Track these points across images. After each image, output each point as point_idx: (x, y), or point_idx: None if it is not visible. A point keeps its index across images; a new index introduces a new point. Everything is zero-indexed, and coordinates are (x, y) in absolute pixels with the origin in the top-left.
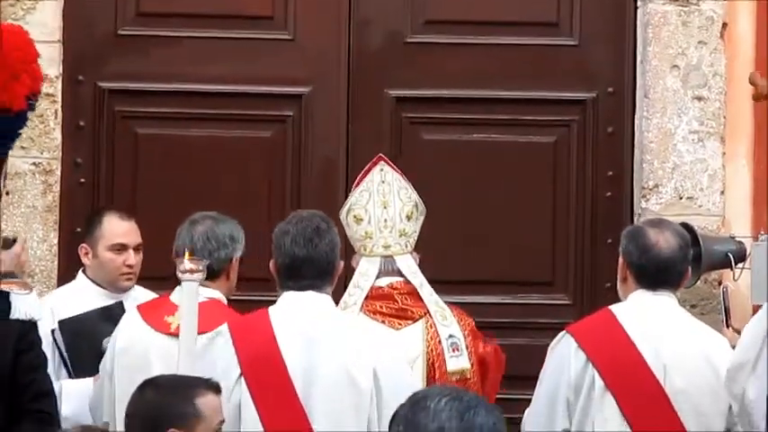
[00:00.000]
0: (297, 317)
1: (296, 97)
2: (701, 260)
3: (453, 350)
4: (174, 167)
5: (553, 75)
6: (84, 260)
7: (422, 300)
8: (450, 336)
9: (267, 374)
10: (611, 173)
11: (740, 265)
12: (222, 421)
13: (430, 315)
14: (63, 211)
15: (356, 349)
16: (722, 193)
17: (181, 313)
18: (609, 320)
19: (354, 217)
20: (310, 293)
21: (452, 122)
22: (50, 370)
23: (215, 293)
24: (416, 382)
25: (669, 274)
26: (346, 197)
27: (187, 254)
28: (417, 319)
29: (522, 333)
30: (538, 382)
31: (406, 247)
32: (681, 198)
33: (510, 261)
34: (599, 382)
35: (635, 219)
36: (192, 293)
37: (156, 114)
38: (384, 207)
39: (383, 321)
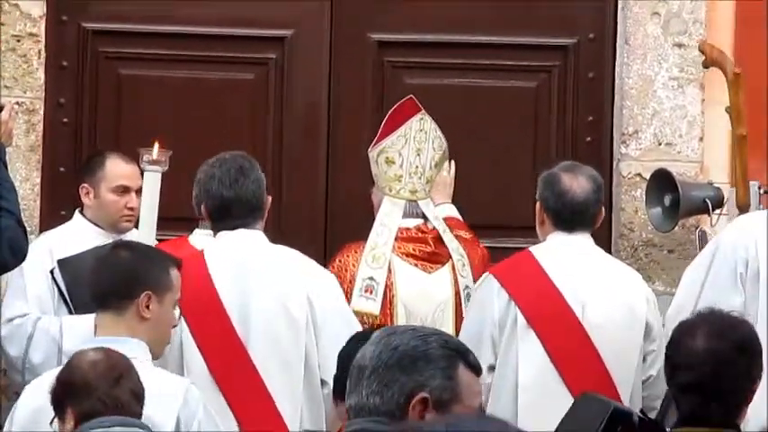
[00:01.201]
0: (230, 254)
1: (278, 40)
2: (679, 206)
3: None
4: (157, 109)
5: (535, 21)
6: (85, 200)
7: (445, 245)
8: (467, 287)
9: (205, 313)
10: (591, 118)
11: (717, 210)
12: (178, 300)
13: (453, 261)
14: (46, 151)
15: (289, 280)
16: (701, 139)
17: (142, 205)
18: (529, 261)
19: (387, 159)
20: (242, 231)
21: (435, 67)
22: (50, 308)
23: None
24: (346, 308)
25: (583, 217)
26: (328, 141)
27: (157, 145)
28: (445, 263)
29: None
30: (463, 322)
31: (428, 192)
32: (660, 144)
33: (491, 206)
34: (521, 320)
35: (614, 164)
36: (153, 184)
37: (140, 56)
38: (418, 154)
39: (416, 264)
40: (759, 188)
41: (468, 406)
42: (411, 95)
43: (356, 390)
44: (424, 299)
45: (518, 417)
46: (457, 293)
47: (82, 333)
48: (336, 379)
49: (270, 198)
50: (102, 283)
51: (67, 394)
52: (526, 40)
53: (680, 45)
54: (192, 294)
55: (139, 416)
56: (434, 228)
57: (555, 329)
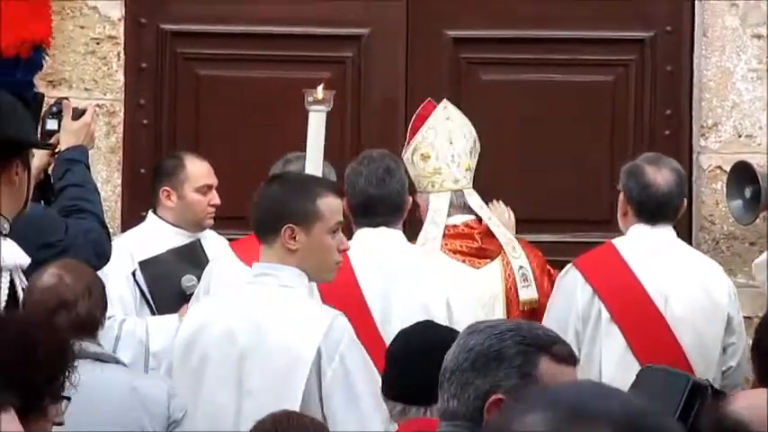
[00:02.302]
0: (372, 251)
1: (355, 38)
2: (760, 198)
3: (524, 280)
4: (236, 109)
5: (612, 14)
6: (167, 202)
7: (495, 238)
8: (521, 267)
9: (347, 306)
10: (669, 111)
11: None
12: (340, 222)
13: (504, 252)
14: (126, 153)
15: (430, 280)
16: None
17: (308, 144)
18: (612, 254)
19: (422, 155)
20: (383, 230)
21: (511, 63)
22: (132, 310)
23: None
24: (481, 312)
25: (667, 209)
26: (405, 138)
27: (322, 85)
28: (495, 258)
29: None
30: (545, 313)
31: (470, 181)
32: (740, 136)
33: (569, 200)
34: (605, 314)
35: (694, 157)
36: (319, 123)
37: (217, 56)
38: (450, 143)
39: (463, 261)
40: None
41: None
42: (429, 98)
43: (440, 393)
44: (473, 294)
45: None
46: (510, 288)
47: (167, 332)
48: (383, 377)
49: (411, 199)
50: (254, 217)
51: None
52: (603, 34)
53: (758, 36)
54: (335, 288)
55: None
56: (482, 222)
57: (638, 324)
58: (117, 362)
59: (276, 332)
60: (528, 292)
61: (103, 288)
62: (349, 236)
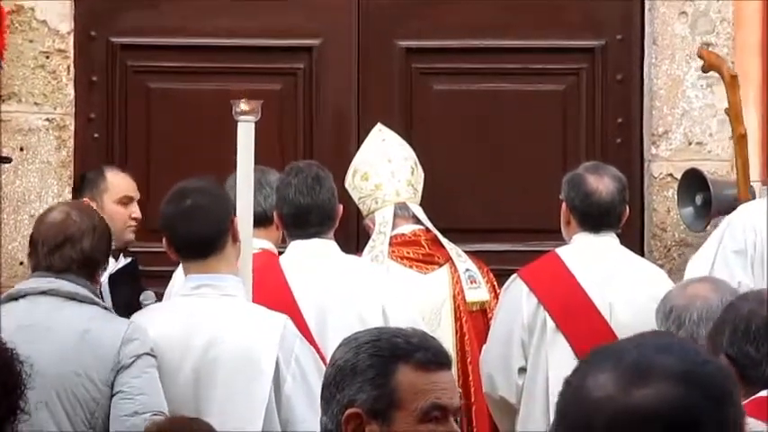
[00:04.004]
0: (306, 263)
1: (306, 49)
2: (711, 205)
3: (471, 282)
4: (187, 121)
5: (562, 23)
6: None
7: (443, 246)
8: (467, 270)
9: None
10: (620, 120)
11: None
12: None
13: (452, 260)
14: (77, 167)
15: (365, 290)
16: (731, 138)
17: (238, 155)
18: (556, 264)
19: (362, 176)
20: (316, 240)
21: (462, 72)
22: None
23: (266, 244)
24: (419, 319)
25: (610, 217)
26: (358, 148)
27: (246, 95)
28: (442, 264)
29: None
30: (492, 323)
31: (415, 196)
32: (690, 143)
33: (521, 209)
34: (550, 324)
35: (645, 165)
36: (248, 134)
37: (168, 69)
38: (388, 161)
39: (411, 266)
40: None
41: (418, 408)
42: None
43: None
44: (420, 299)
45: (551, 418)
46: (457, 293)
47: None
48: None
49: (341, 207)
50: (195, 233)
51: None
52: (553, 42)
53: (708, 44)
54: (270, 303)
55: None
56: (429, 230)
57: (583, 332)
58: (94, 303)
59: (231, 343)
60: (477, 294)
61: (109, 233)
62: (283, 248)
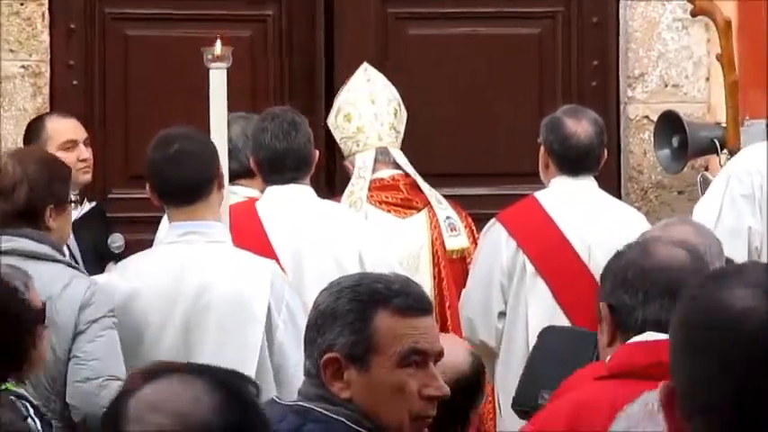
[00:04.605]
0: (283, 208)
1: None
2: (687, 147)
3: (451, 230)
4: (163, 68)
5: None
6: None
7: (422, 192)
8: (448, 217)
9: None
10: (596, 62)
11: (725, 150)
12: None
13: (430, 205)
14: None
15: (341, 235)
16: (707, 80)
17: (211, 102)
18: (535, 207)
19: (345, 116)
20: (292, 186)
21: (438, 17)
22: None
23: (253, 192)
24: (395, 262)
25: (588, 160)
26: (327, 95)
27: (219, 41)
28: (421, 209)
29: None
30: (471, 267)
31: (397, 140)
32: (666, 86)
33: (498, 153)
34: (529, 267)
35: (621, 107)
36: (220, 80)
37: (143, 16)
38: (372, 102)
39: (389, 211)
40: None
41: (396, 353)
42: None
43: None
44: (399, 244)
45: None
46: (435, 238)
47: None
48: None
49: (317, 152)
50: (181, 178)
51: None
52: None
53: None
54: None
55: None
56: (408, 175)
57: (563, 275)
58: (56, 261)
59: (223, 290)
60: (457, 241)
61: (54, 175)
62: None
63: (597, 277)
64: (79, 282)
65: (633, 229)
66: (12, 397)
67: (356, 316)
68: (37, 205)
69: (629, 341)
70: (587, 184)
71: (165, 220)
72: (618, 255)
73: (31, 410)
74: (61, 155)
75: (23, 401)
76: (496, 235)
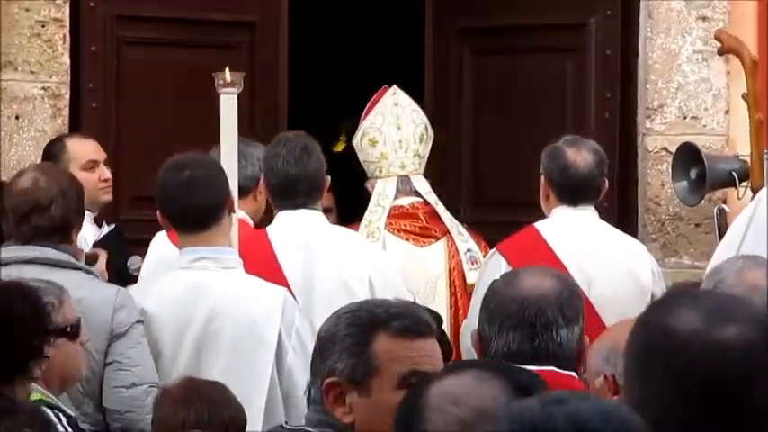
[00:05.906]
0: (294, 233)
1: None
2: (705, 179)
3: (472, 263)
4: (178, 91)
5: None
6: None
7: (441, 221)
8: (468, 250)
9: None
10: (609, 95)
11: (743, 183)
12: None
13: (450, 235)
14: None
15: (351, 260)
16: (726, 112)
17: (222, 127)
18: (535, 237)
19: (369, 140)
20: (303, 211)
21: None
22: None
23: (241, 214)
24: (404, 289)
25: (588, 190)
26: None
27: (227, 69)
28: (439, 238)
29: None
30: (472, 298)
31: (420, 167)
32: (685, 118)
33: (518, 182)
34: None
35: (640, 139)
36: (230, 106)
37: (159, 41)
38: (398, 128)
39: (407, 239)
40: None
41: (396, 375)
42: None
43: None
44: (416, 272)
45: None
46: (453, 269)
47: None
48: None
49: (329, 178)
50: (192, 205)
51: None
52: (550, 20)
53: (703, 18)
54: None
55: None
56: (428, 204)
57: None
58: (78, 268)
59: (234, 316)
60: (477, 275)
61: (80, 192)
62: (270, 219)
63: (597, 309)
64: (106, 285)
65: (634, 261)
66: (46, 409)
67: (355, 340)
68: (71, 221)
69: None
70: (587, 214)
71: (154, 241)
72: (492, 283)
73: (64, 420)
74: (83, 175)
75: (56, 411)
76: (495, 265)
